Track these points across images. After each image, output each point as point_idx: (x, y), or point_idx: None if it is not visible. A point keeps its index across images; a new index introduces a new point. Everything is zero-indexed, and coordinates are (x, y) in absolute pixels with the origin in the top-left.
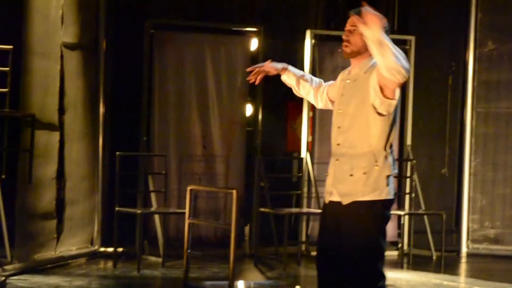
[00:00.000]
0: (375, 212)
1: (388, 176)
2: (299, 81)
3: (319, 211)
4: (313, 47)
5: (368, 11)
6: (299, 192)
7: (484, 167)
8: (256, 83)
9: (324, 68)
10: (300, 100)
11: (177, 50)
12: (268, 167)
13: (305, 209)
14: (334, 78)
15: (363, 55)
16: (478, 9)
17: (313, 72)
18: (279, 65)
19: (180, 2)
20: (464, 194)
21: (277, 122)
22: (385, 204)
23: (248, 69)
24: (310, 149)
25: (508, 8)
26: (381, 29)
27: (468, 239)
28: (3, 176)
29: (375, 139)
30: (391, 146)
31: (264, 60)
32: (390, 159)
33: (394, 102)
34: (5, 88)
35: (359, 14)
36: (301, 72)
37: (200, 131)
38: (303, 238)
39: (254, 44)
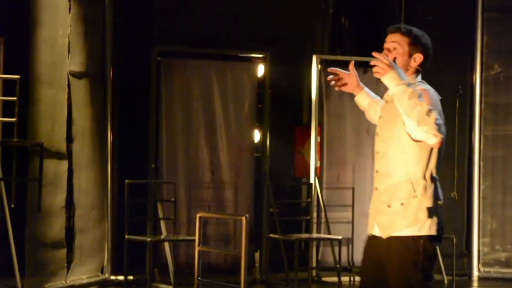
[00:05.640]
0: (415, 249)
1: (429, 208)
2: (371, 105)
3: (329, 236)
4: (320, 72)
5: None
6: (309, 217)
7: (493, 190)
8: (336, 88)
9: (331, 94)
10: (308, 125)
11: (184, 77)
12: (277, 193)
13: (315, 235)
14: (341, 104)
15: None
16: (484, 32)
17: (319, 97)
18: (358, 83)
19: (186, 29)
20: (474, 218)
21: (285, 148)
22: (428, 240)
23: (331, 70)
24: (319, 174)
25: None
26: None
27: (479, 262)
28: (13, 206)
29: (412, 166)
30: (432, 175)
31: (271, 86)
32: (431, 189)
33: None
34: (13, 117)
35: (396, 30)
36: (373, 94)
37: (208, 157)
38: (314, 264)
39: (260, 70)
